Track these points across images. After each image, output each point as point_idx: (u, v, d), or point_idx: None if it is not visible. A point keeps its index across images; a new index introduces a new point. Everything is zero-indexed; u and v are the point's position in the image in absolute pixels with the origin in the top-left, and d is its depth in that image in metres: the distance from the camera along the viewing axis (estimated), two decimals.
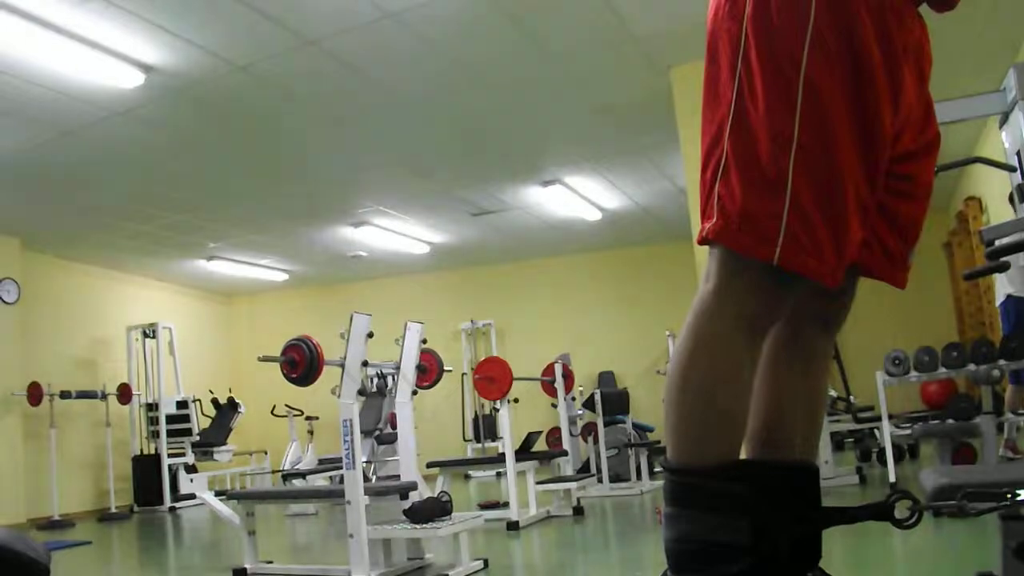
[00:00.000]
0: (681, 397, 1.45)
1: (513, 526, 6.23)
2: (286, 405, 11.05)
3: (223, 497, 7.41)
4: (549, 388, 8.59)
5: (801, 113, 1.39)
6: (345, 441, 4.61)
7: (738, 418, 1.45)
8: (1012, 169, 3.60)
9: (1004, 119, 3.66)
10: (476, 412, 13.17)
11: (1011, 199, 6.86)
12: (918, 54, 1.56)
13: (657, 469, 9.41)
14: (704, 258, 1.54)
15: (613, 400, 9.61)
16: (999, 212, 7.25)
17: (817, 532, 1.44)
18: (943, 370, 6.25)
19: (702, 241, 1.49)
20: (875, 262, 1.63)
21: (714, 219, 1.45)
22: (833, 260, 1.42)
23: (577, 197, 10.32)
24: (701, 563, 1.37)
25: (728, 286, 1.45)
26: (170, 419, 11.09)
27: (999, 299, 7.25)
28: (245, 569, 5.05)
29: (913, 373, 6.38)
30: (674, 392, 1.46)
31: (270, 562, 5.23)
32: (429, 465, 7.24)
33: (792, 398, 1.68)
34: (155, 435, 11.04)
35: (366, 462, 6.85)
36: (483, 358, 8.46)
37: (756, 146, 1.42)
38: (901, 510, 1.42)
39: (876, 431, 8.15)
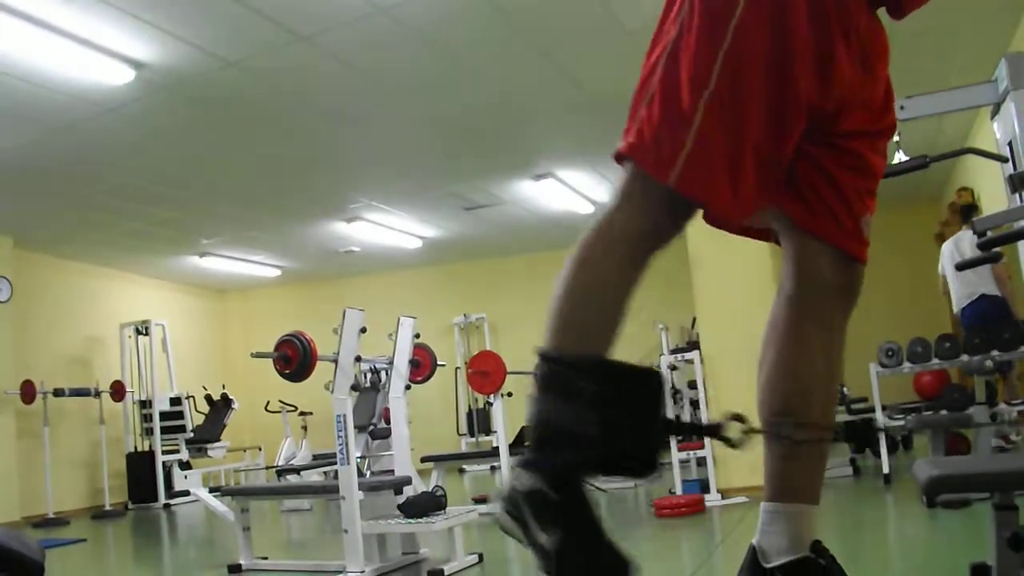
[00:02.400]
0: (559, 295, 1.57)
1: None
2: (280, 401, 11.05)
3: (217, 493, 7.42)
4: None
5: (723, 60, 1.51)
6: (339, 436, 4.61)
7: (604, 325, 1.56)
8: (1004, 160, 3.60)
9: (996, 110, 3.66)
10: (470, 406, 13.18)
11: (962, 210, 6.97)
12: (865, 41, 1.65)
13: None
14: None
15: None
16: (992, 202, 7.27)
17: (657, 441, 1.50)
18: (936, 361, 6.27)
19: (617, 156, 1.60)
20: (825, 228, 1.73)
21: (632, 137, 1.58)
22: (726, 195, 1.52)
23: (569, 191, 10.31)
24: (552, 446, 1.47)
25: (626, 203, 1.58)
26: (164, 416, 11.08)
27: (968, 299, 7.37)
28: (240, 565, 5.06)
29: (906, 364, 6.40)
30: (557, 289, 1.58)
31: (265, 558, 5.23)
32: (423, 460, 7.24)
33: (812, 372, 1.76)
34: (149, 432, 11.03)
35: (360, 457, 6.86)
36: (476, 352, 8.46)
37: (679, 81, 1.54)
38: (733, 431, 1.49)
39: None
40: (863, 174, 1.74)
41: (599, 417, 1.43)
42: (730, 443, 1.51)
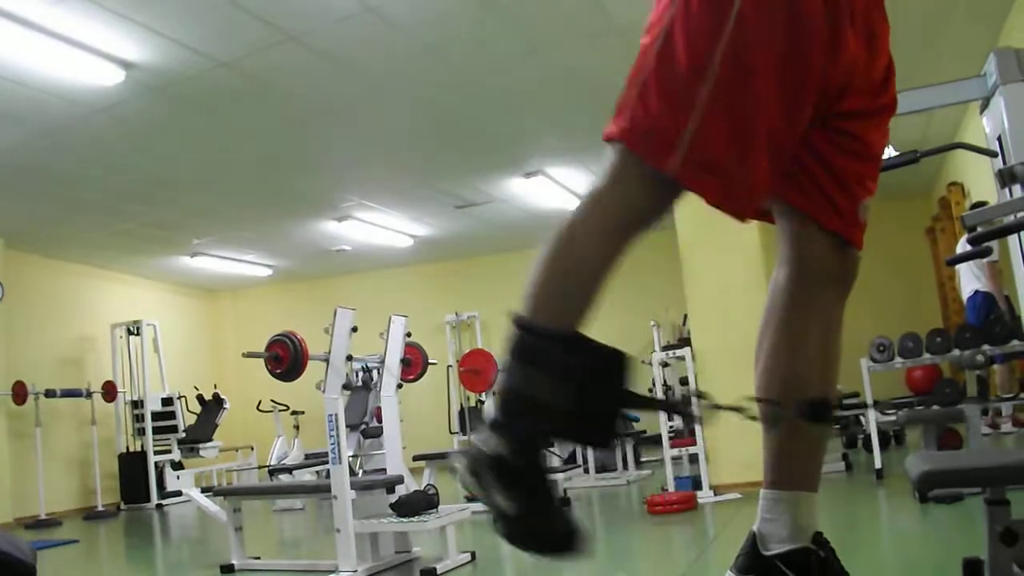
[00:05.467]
0: (541, 267, 1.59)
1: None
2: (271, 400, 11.01)
3: (210, 493, 7.40)
4: None
5: (726, 43, 1.45)
6: (331, 436, 4.60)
7: (582, 302, 1.56)
8: (993, 154, 3.60)
9: (985, 104, 3.66)
10: (462, 404, 13.12)
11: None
12: (867, 17, 1.62)
13: (644, 459, 9.43)
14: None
15: None
16: (981, 197, 7.28)
17: (619, 415, 1.51)
18: (928, 356, 6.28)
19: (607, 136, 1.55)
20: (821, 213, 1.70)
21: (625, 122, 1.52)
22: (734, 186, 1.49)
23: (560, 188, 10.30)
24: (519, 413, 1.48)
25: (614, 186, 1.53)
26: (155, 416, 11.05)
27: (966, 293, 7.47)
28: (233, 565, 5.05)
29: (898, 359, 6.41)
30: (538, 260, 1.60)
31: (257, 558, 5.22)
32: (415, 458, 7.24)
33: (807, 358, 1.75)
34: (141, 432, 11.00)
35: (352, 456, 6.85)
36: (468, 350, 8.45)
37: (678, 66, 1.48)
38: (698, 407, 1.51)
39: (861, 418, 8.19)
40: (861, 157, 1.70)
41: (569, 389, 1.44)
42: (693, 419, 1.55)
